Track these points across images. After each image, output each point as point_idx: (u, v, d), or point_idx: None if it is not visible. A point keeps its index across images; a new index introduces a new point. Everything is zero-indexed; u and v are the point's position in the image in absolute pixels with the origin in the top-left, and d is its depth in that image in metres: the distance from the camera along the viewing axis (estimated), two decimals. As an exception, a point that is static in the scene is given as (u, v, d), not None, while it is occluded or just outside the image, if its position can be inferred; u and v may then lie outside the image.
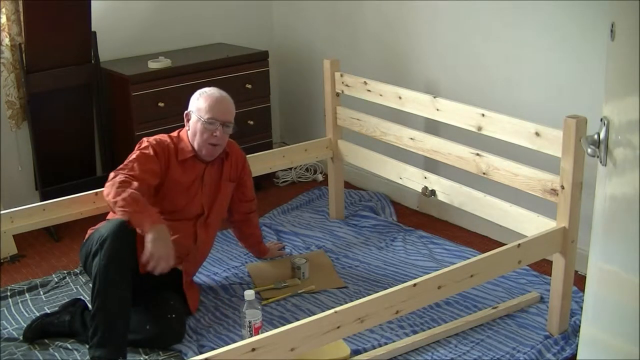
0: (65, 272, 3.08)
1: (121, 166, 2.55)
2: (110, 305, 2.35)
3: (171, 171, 2.65)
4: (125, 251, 2.39)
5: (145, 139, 2.67)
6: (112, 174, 2.52)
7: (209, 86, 2.77)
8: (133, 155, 2.60)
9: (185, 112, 2.70)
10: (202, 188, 2.72)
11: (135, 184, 2.47)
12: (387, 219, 3.55)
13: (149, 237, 2.35)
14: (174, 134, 2.74)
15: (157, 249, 2.35)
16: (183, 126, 2.74)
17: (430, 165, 3.18)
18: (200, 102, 2.65)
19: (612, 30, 1.32)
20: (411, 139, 3.00)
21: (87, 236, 2.64)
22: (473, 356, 2.41)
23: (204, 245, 2.77)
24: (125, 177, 2.48)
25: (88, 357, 2.37)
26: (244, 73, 3.78)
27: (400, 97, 3.00)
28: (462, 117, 2.72)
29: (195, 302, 2.74)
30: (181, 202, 2.66)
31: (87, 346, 2.38)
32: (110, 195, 2.43)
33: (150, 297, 2.57)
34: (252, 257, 3.18)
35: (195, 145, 2.66)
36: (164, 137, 2.71)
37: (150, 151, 2.61)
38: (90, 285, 2.84)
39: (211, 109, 2.62)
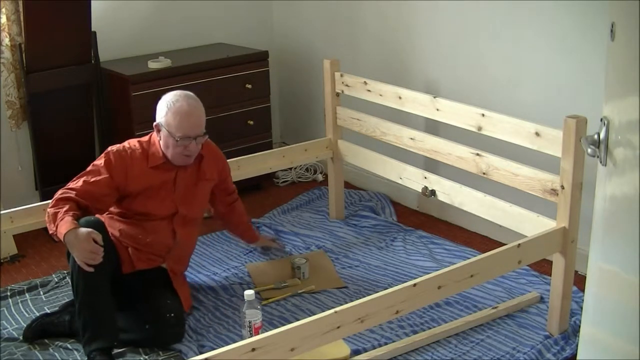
0: (65, 272, 3.08)
1: (74, 178, 2.55)
2: (92, 299, 2.38)
3: (136, 177, 2.59)
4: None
5: (110, 147, 2.64)
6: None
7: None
8: (88, 167, 2.59)
9: (155, 123, 2.61)
10: (174, 190, 2.67)
11: (72, 195, 2.47)
12: (387, 219, 3.55)
13: (71, 246, 2.34)
14: (145, 138, 2.68)
15: (77, 254, 2.33)
16: None
17: (430, 165, 3.18)
18: (169, 117, 2.55)
19: (612, 30, 1.32)
20: (411, 139, 3.00)
21: None
22: (473, 356, 2.41)
23: (185, 242, 2.74)
24: (63, 192, 2.49)
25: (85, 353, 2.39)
26: (244, 73, 3.78)
27: (400, 97, 3.00)
28: (462, 117, 2.72)
29: (188, 301, 2.73)
30: (152, 204, 2.63)
31: (82, 342, 2.40)
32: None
33: (145, 297, 2.57)
34: (252, 257, 3.18)
35: (169, 156, 2.61)
36: (131, 143, 2.65)
37: (102, 162, 2.57)
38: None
39: (181, 126, 2.54)
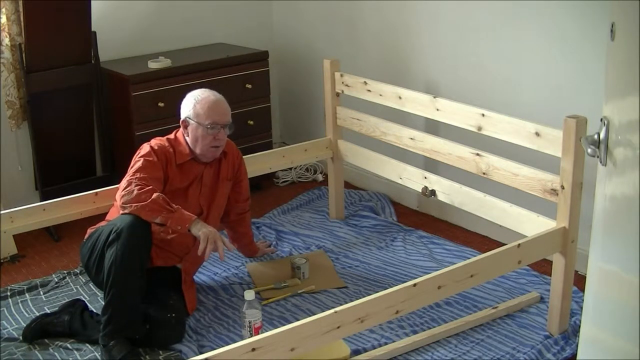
0: (65, 272, 3.08)
1: (129, 177, 2.52)
2: (128, 294, 2.41)
3: (170, 175, 2.65)
4: (143, 240, 2.44)
5: (146, 144, 2.66)
6: (124, 183, 2.51)
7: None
8: (138, 163, 2.57)
9: (182, 119, 2.67)
10: (200, 189, 2.72)
11: (152, 187, 2.49)
12: (387, 219, 3.55)
13: (198, 228, 2.42)
14: (171, 136, 2.73)
15: (209, 231, 2.42)
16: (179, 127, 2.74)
17: (430, 165, 3.18)
18: (197, 108, 2.63)
19: (612, 30, 1.32)
20: (411, 139, 3.00)
21: (87, 235, 2.65)
22: (473, 356, 2.41)
23: None
24: (141, 184, 2.48)
25: (101, 345, 2.41)
26: (244, 73, 3.78)
27: (400, 97, 3.00)
28: (462, 117, 2.72)
29: (193, 303, 2.74)
30: (179, 204, 2.64)
31: (101, 334, 2.41)
32: (132, 202, 2.43)
33: (149, 297, 2.57)
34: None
35: (198, 150, 2.66)
36: (162, 141, 2.69)
37: (154, 157, 2.60)
38: (92, 283, 2.87)
39: (210, 113, 2.62)
